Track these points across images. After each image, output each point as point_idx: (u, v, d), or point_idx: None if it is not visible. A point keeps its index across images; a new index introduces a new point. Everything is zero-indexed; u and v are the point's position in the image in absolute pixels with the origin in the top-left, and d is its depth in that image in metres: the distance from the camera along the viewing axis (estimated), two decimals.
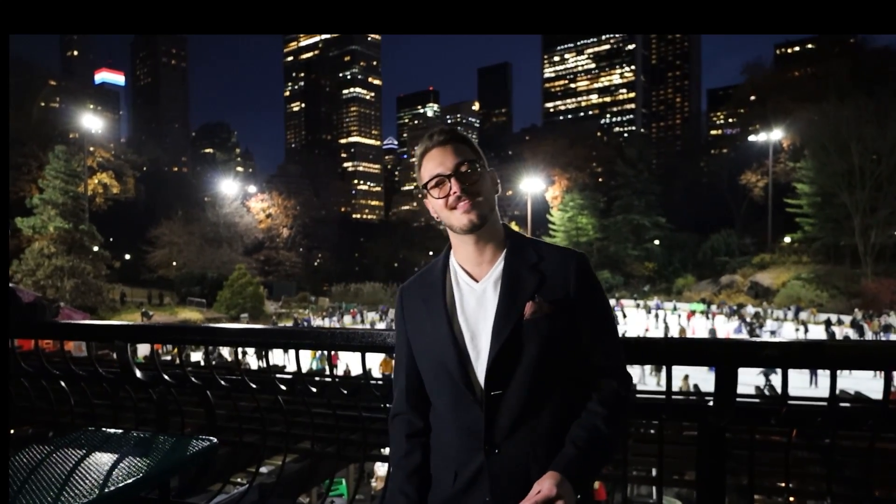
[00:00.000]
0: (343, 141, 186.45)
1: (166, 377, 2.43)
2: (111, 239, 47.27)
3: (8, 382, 2.64)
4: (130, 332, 2.51)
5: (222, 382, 2.36)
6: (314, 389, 2.32)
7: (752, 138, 57.69)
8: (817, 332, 29.01)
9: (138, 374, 2.48)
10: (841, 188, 40.49)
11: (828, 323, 30.34)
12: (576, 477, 1.24)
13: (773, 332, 27.66)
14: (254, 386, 2.32)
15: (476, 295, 1.39)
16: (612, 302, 42.28)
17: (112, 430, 2.23)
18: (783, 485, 3.17)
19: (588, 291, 1.37)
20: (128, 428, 2.96)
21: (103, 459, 1.96)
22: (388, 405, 2.67)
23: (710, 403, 1.81)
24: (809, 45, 75.55)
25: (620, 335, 1.47)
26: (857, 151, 39.24)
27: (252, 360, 20.91)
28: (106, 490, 1.69)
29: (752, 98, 64.15)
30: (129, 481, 1.78)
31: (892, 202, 39.39)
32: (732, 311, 38.65)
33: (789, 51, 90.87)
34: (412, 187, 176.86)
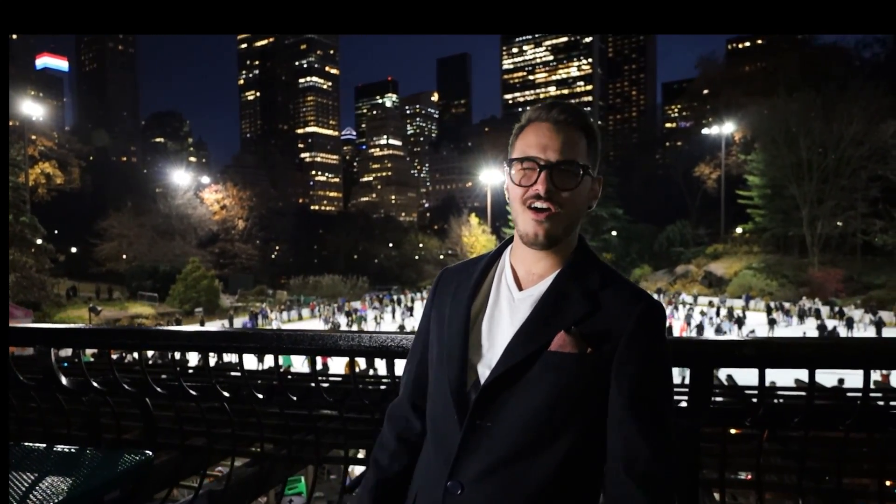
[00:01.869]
0: (300, 131, 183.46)
1: (96, 384, 2.21)
2: (56, 231, 45.43)
3: (8, 389, 2.41)
4: (52, 336, 2.28)
5: (159, 389, 2.16)
6: (261, 396, 2.14)
7: (705, 131, 59.40)
8: (755, 320, 30.28)
9: (64, 381, 2.25)
10: (790, 180, 41.94)
11: (768, 309, 31.71)
12: None
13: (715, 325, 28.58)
14: (194, 393, 2.13)
15: (511, 304, 1.13)
16: None
17: (33, 445, 2.02)
18: (749, 478, 3.16)
19: (645, 345, 1.05)
20: (61, 434, 2.73)
21: (23, 479, 1.78)
22: (346, 408, 2.53)
23: (683, 404, 1.73)
24: (759, 41, 77.92)
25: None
26: (805, 145, 40.69)
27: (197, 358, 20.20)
28: None
29: (706, 92, 66.03)
30: (53, 503, 1.61)
31: (838, 194, 41.04)
32: (669, 297, 40.17)
33: (740, 46, 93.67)
34: (371, 178, 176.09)
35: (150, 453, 1.87)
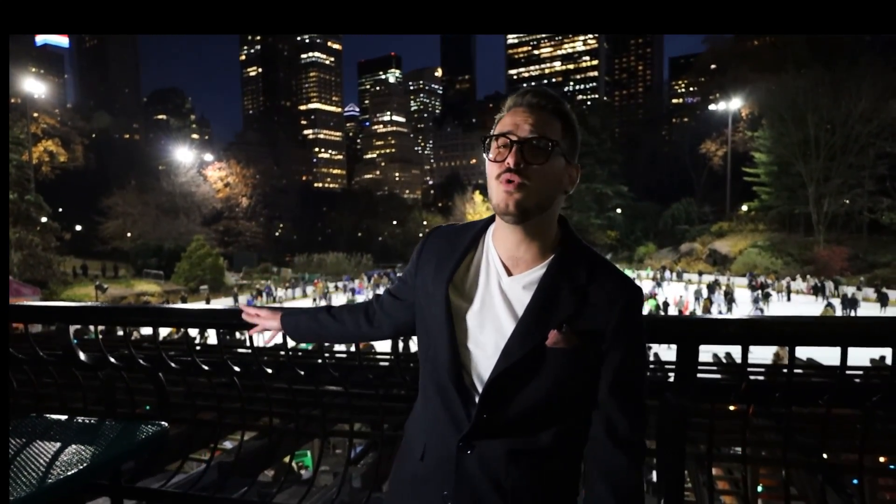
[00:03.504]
0: (303, 107, 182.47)
1: (112, 360, 2.32)
2: (60, 209, 45.51)
3: (8, 367, 2.51)
4: (72, 314, 2.37)
5: (173, 365, 2.26)
6: (270, 371, 2.24)
7: (712, 107, 58.73)
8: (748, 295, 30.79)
9: (82, 356, 2.35)
10: (797, 157, 41.64)
11: (763, 285, 32.32)
12: None
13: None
14: (206, 368, 2.23)
15: (501, 290, 1.21)
16: None
17: (56, 417, 2.12)
18: (740, 451, 3.25)
19: (627, 338, 1.18)
20: (77, 408, 2.85)
21: (47, 448, 1.87)
22: (350, 383, 2.63)
23: (671, 379, 1.81)
24: None
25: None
26: (813, 122, 40.28)
27: (211, 332, 20.44)
28: (48, 481, 1.61)
29: (713, 67, 65.15)
30: (74, 471, 1.70)
31: (845, 172, 40.70)
32: (656, 274, 40.85)
33: None
34: (375, 155, 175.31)
35: (166, 424, 1.96)
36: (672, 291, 32.64)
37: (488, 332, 1.20)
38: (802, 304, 30.67)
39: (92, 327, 2.45)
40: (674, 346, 1.67)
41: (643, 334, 1.22)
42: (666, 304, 26.73)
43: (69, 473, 1.65)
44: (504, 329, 1.19)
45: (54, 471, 1.67)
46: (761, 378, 5.97)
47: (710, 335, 1.63)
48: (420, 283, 1.32)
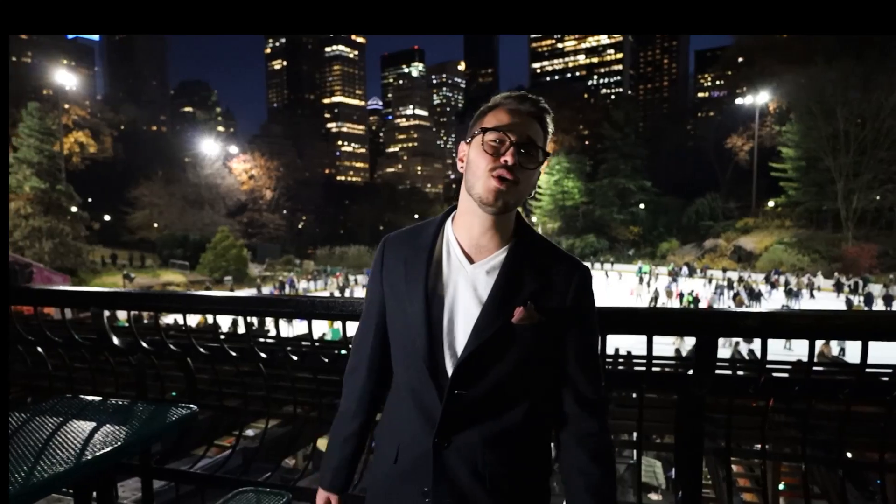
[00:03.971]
0: (326, 101, 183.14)
1: (144, 344, 2.40)
2: (89, 199, 46.50)
3: (8, 354, 2.61)
4: (106, 299, 2.46)
5: (201, 350, 2.33)
6: (295, 358, 2.30)
7: (738, 101, 57.55)
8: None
9: (115, 340, 2.44)
10: (825, 152, 40.66)
11: (773, 284, 32.01)
12: None
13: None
14: (234, 354, 2.29)
15: (466, 277, 1.27)
16: None
17: (90, 398, 2.20)
18: (759, 447, 3.24)
19: (584, 312, 1.29)
20: (108, 393, 2.95)
21: (81, 427, 1.94)
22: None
23: (690, 372, 1.82)
24: None
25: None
26: (843, 115, 39.29)
27: (239, 321, 20.83)
28: (84, 458, 1.67)
29: (740, 60, 63.73)
30: (108, 449, 1.76)
31: (875, 167, 39.67)
32: (675, 271, 40.61)
33: None
34: (397, 149, 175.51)
35: (195, 407, 2.02)
36: (688, 287, 32.75)
37: (458, 320, 1.26)
38: (827, 301, 30.26)
39: (124, 314, 2.53)
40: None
41: (594, 306, 1.33)
42: (697, 300, 27.41)
43: (104, 451, 1.72)
44: (471, 313, 1.25)
45: (89, 448, 1.74)
46: (785, 375, 5.91)
47: (729, 328, 1.65)
48: (390, 289, 1.35)
